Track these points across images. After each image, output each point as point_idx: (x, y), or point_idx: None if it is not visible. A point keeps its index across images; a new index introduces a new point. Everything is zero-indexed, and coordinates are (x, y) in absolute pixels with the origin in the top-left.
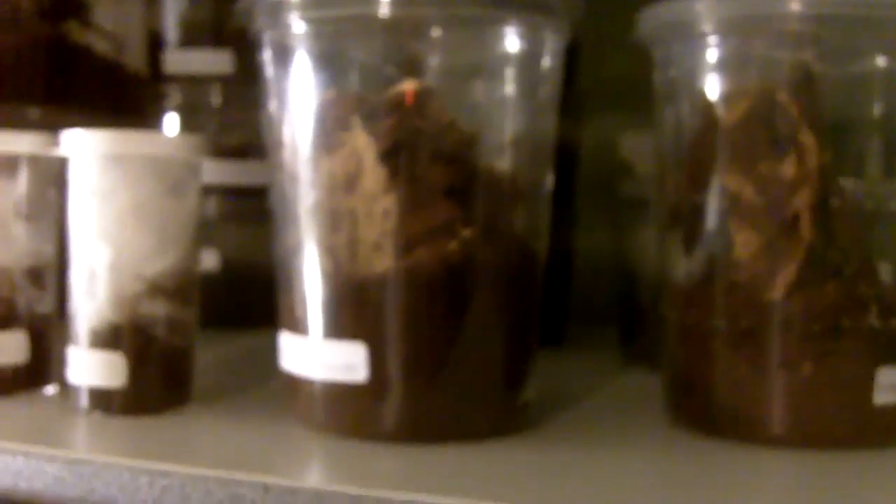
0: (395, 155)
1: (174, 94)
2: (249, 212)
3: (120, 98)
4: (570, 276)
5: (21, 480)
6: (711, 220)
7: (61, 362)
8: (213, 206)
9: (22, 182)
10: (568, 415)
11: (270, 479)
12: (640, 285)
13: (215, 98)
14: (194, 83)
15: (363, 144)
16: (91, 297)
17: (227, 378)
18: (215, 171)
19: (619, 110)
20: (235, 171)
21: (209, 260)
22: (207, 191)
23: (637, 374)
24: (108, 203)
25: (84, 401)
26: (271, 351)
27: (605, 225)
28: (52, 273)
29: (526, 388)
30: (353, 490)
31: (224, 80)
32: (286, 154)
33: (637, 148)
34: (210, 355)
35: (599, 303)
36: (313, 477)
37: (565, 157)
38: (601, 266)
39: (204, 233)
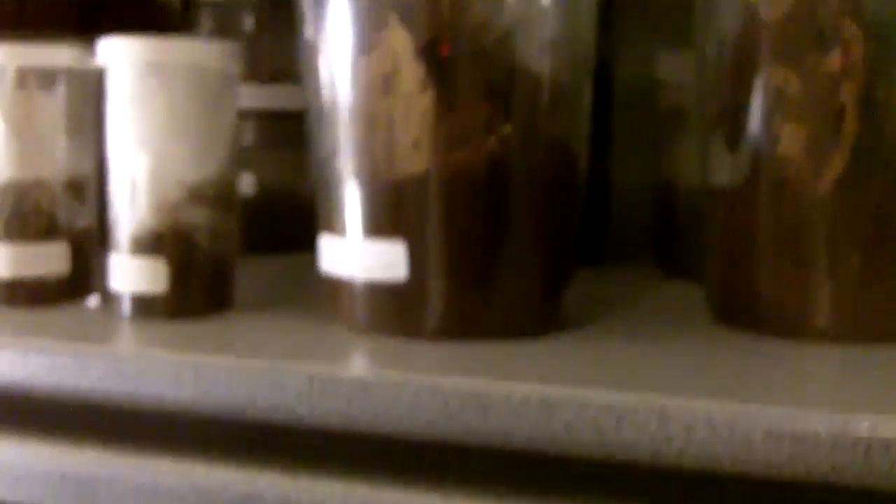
0: (432, 52)
1: (206, 21)
2: (285, 136)
3: (152, 26)
4: (608, 194)
5: (68, 378)
6: (756, 118)
7: (101, 274)
8: (248, 131)
9: (61, 96)
10: (608, 319)
11: (315, 369)
12: (678, 199)
13: (247, 23)
14: (226, 8)
15: (400, 43)
16: (132, 205)
17: (267, 292)
18: (250, 97)
19: (654, 25)
20: (270, 96)
21: (246, 184)
22: (242, 116)
23: (678, 287)
24: (146, 111)
25: (127, 307)
26: (309, 272)
27: (642, 143)
28: (91, 186)
29: (566, 288)
30: (396, 377)
31: (255, 5)
32: (322, 57)
33: (674, 63)
34: (248, 277)
35: (637, 222)
36: (356, 368)
37: (601, 73)
38: (638, 185)
39: (240, 157)
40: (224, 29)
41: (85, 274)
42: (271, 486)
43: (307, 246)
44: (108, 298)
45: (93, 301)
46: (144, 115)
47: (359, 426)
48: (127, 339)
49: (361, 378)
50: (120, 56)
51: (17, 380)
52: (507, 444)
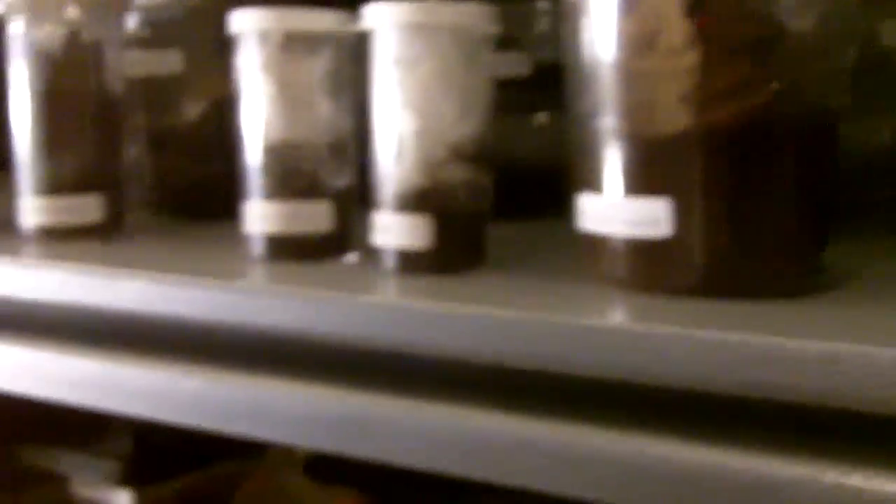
0: (699, 10)
1: None
2: (513, 103)
3: None
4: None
5: (347, 327)
6: None
7: (359, 232)
8: None
9: (324, 59)
10: (871, 282)
11: (590, 321)
12: None
13: None
14: None
15: (665, 1)
16: (398, 163)
17: (512, 253)
18: None
19: None
20: (498, 63)
21: None
22: None
23: None
24: (413, 72)
25: (389, 262)
26: (549, 235)
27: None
28: (351, 146)
29: (825, 249)
30: (673, 330)
31: None
32: (585, 17)
33: None
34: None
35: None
36: (623, 320)
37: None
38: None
39: None
40: None
41: (345, 230)
42: (540, 433)
43: (541, 212)
44: (370, 254)
45: (352, 257)
46: (411, 76)
47: (625, 376)
48: (394, 292)
49: (631, 330)
50: (387, 19)
51: (296, 327)
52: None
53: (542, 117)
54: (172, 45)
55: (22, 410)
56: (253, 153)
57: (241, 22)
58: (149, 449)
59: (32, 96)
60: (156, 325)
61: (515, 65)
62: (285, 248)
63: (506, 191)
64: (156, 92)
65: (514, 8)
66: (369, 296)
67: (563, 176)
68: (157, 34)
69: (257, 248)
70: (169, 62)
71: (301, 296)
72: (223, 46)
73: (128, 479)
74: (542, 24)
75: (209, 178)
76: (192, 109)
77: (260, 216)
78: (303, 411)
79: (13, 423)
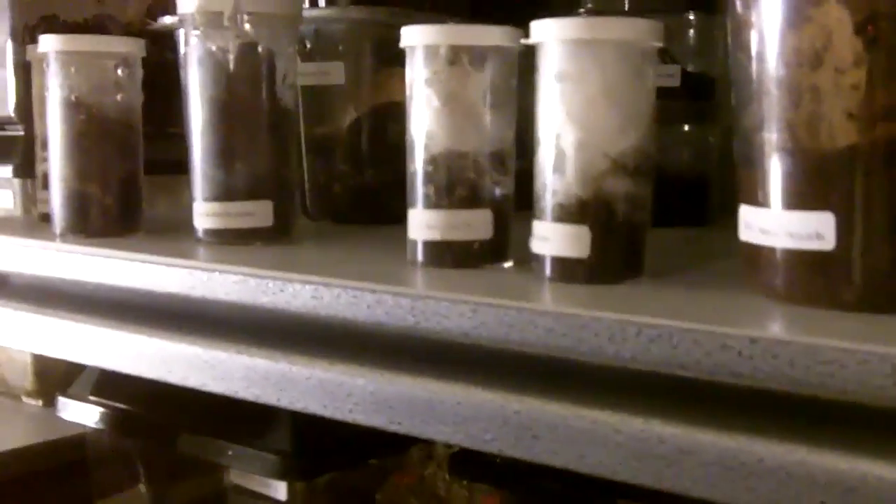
0: (868, 27)
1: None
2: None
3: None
4: None
5: (513, 332)
6: None
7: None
8: None
9: (489, 72)
10: None
11: (757, 332)
12: None
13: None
14: None
15: (835, 18)
16: (559, 174)
17: (668, 260)
18: None
19: None
20: None
21: None
22: None
23: None
24: (578, 86)
25: (548, 270)
26: (696, 244)
27: None
28: (511, 157)
29: None
30: (839, 343)
31: None
32: (752, 31)
33: None
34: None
35: None
36: (788, 332)
37: None
38: None
39: None
40: (600, 10)
41: (503, 239)
42: (707, 441)
43: (675, 222)
44: (524, 263)
45: (508, 264)
46: (576, 90)
47: (788, 388)
48: (555, 299)
49: (808, 344)
50: (554, 35)
51: (459, 331)
52: None
53: (688, 128)
54: (334, 57)
55: (184, 402)
56: (418, 163)
57: (411, 37)
58: (307, 444)
59: (207, 106)
60: (325, 326)
61: (667, 76)
62: (447, 255)
63: (670, 201)
64: (313, 101)
65: (664, 19)
66: (532, 303)
67: (707, 185)
68: (318, 46)
69: (420, 253)
70: (332, 74)
71: (468, 302)
72: (380, 58)
73: (285, 472)
74: (690, 36)
75: (366, 185)
76: (347, 118)
77: (423, 223)
78: (466, 412)
79: (175, 413)
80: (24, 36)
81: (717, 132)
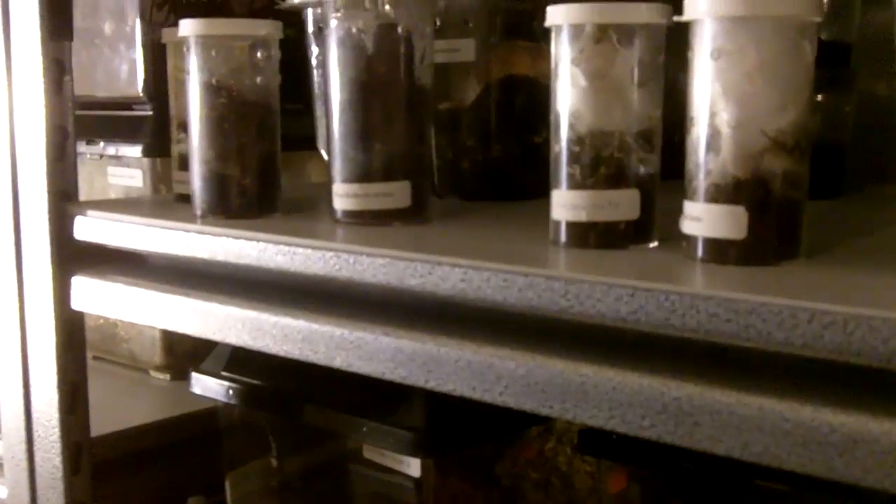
0: None
1: None
2: None
3: None
4: None
5: (674, 317)
6: None
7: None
8: None
9: (637, 50)
10: None
11: None
12: None
13: None
14: None
15: None
16: (714, 154)
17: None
18: None
19: None
20: None
21: None
22: None
23: None
24: (734, 63)
25: (699, 251)
26: (839, 218)
27: None
28: (658, 136)
29: None
30: None
31: None
32: None
33: None
34: None
35: None
36: None
37: None
38: None
39: None
40: None
41: (649, 219)
42: (881, 430)
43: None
44: (671, 243)
45: (653, 244)
46: (732, 67)
47: None
48: (709, 283)
49: None
50: (709, 11)
51: (621, 315)
52: None
53: (822, 97)
54: (463, 34)
55: (316, 377)
56: (563, 142)
57: (557, 15)
58: (440, 420)
59: (347, 87)
60: (473, 308)
61: None
62: (591, 235)
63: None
64: (436, 77)
65: None
66: (695, 287)
67: (842, 156)
68: (446, 22)
69: (563, 234)
70: (463, 50)
71: (625, 285)
72: (506, 32)
73: (420, 448)
74: (824, 3)
75: (493, 161)
76: (470, 93)
77: (568, 204)
78: (622, 398)
79: (307, 388)
80: (152, 15)
81: (853, 101)
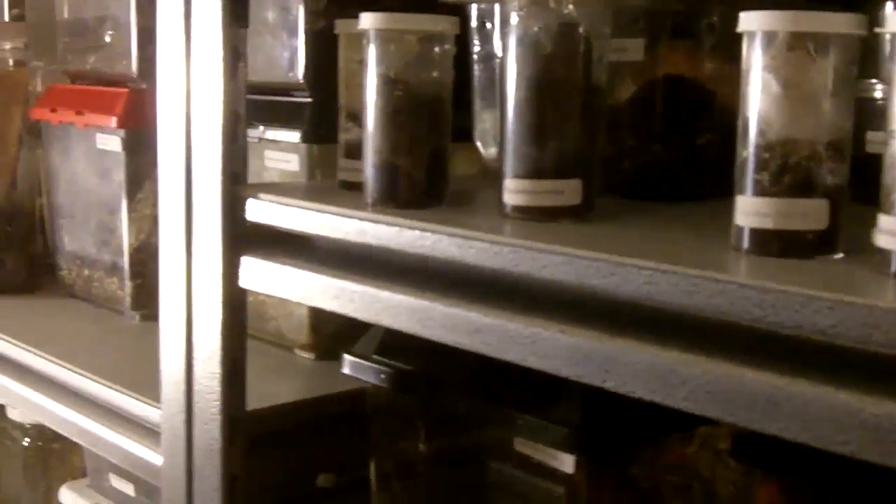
0: None
1: None
2: None
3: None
4: None
5: (877, 334)
6: None
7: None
8: None
9: (831, 60)
10: None
11: None
12: None
13: None
14: None
15: None
16: None
17: None
18: None
19: None
20: None
21: None
22: None
23: None
24: None
25: (893, 266)
26: None
27: None
28: (849, 146)
29: None
30: None
31: None
32: None
33: None
34: None
35: None
36: None
37: None
38: None
39: None
40: None
41: (836, 229)
42: None
43: None
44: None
45: (838, 256)
46: None
47: None
48: None
49: None
50: None
51: (819, 328)
52: None
53: None
54: (631, 33)
55: (470, 365)
56: (752, 148)
57: (750, 21)
58: (597, 418)
59: (525, 84)
60: (655, 310)
61: None
62: (775, 243)
63: None
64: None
65: None
66: (885, 300)
67: None
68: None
69: (746, 240)
70: (631, 50)
71: (825, 298)
72: (674, 33)
73: (576, 446)
74: None
75: (654, 160)
76: (628, 91)
77: (753, 210)
78: (816, 412)
79: (461, 377)
80: (315, 4)
81: None
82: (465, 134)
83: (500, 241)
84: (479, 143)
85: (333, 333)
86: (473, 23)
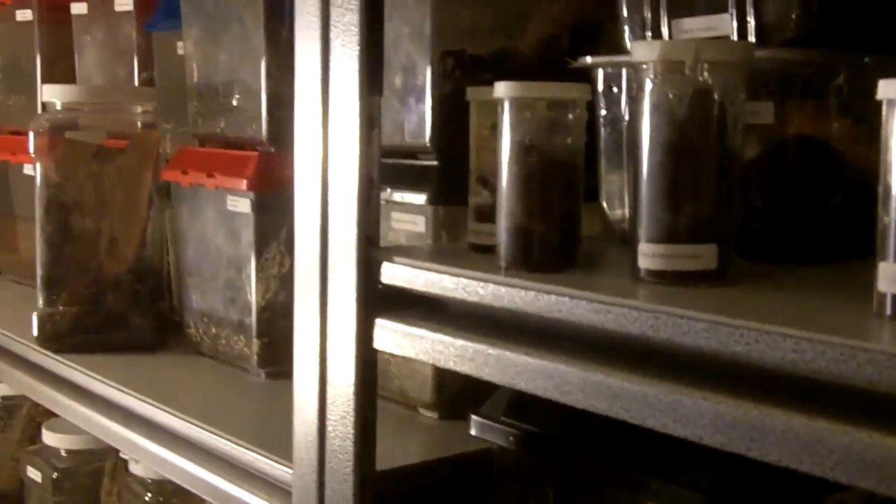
0: None
1: None
2: None
3: None
4: None
5: None
6: None
7: None
8: None
9: None
10: None
11: None
12: None
13: None
14: None
15: None
16: None
17: None
18: None
19: None
20: None
21: None
22: None
23: None
24: None
25: None
26: None
27: None
28: None
29: None
30: None
31: None
32: None
33: None
34: None
35: None
36: None
37: None
38: None
39: None
40: None
41: None
42: None
43: None
44: None
45: None
46: None
47: None
48: None
49: None
50: None
51: None
52: None
53: None
54: (761, 96)
55: (600, 429)
56: (892, 215)
57: (889, 89)
58: (731, 485)
59: (659, 149)
60: (802, 379)
61: None
62: None
63: None
64: None
65: None
66: None
67: None
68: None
69: (889, 307)
70: (762, 113)
71: None
72: (803, 94)
73: None
74: None
75: (784, 222)
76: (753, 151)
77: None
78: None
79: (591, 440)
80: (442, 69)
81: None
82: (587, 193)
83: (639, 306)
84: (604, 205)
85: (457, 393)
86: (600, 87)
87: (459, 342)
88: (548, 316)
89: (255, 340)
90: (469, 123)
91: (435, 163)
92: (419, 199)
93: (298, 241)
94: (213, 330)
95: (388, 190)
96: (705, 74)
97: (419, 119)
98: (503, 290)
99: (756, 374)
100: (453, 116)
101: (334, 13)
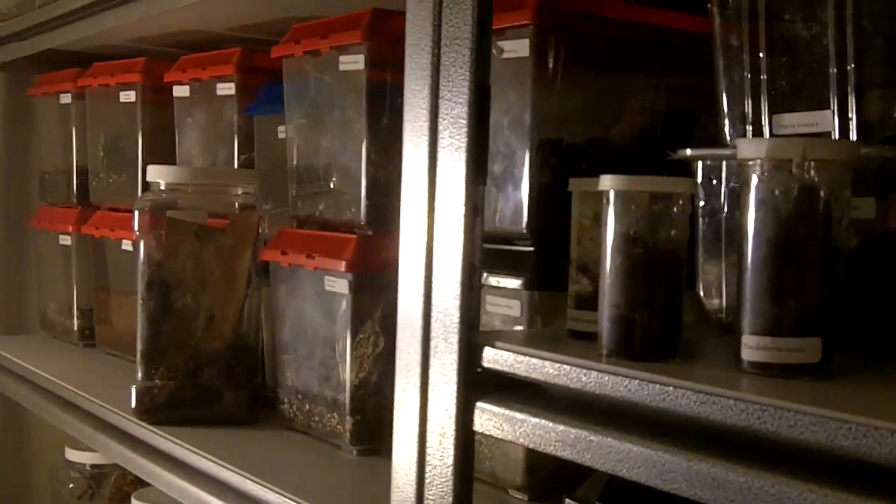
0: None
1: None
2: None
3: None
4: None
5: None
6: None
7: None
8: None
9: None
10: None
11: None
12: None
13: None
14: None
15: None
16: None
17: None
18: None
19: None
20: None
21: None
22: None
23: None
24: None
25: None
26: None
27: None
28: None
29: None
30: None
31: None
32: None
33: None
34: None
35: None
36: None
37: None
38: None
39: None
40: None
41: None
42: None
43: None
44: None
45: None
46: None
47: None
48: None
49: None
50: None
51: None
52: None
53: None
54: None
55: None
56: None
57: None
58: None
59: (765, 245)
60: None
61: None
62: None
63: None
64: None
65: None
66: None
67: None
68: None
69: None
70: (864, 208)
71: None
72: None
73: None
74: None
75: (887, 316)
76: (852, 243)
77: None
78: None
79: None
80: (540, 157)
81: None
82: None
83: (745, 398)
84: (701, 293)
85: (549, 475)
86: (699, 178)
87: (561, 427)
88: (651, 405)
89: (348, 418)
90: (566, 212)
91: (531, 248)
92: (515, 283)
93: (401, 323)
94: (307, 406)
95: (485, 274)
96: (812, 172)
97: (516, 206)
98: (606, 377)
99: (862, 467)
100: (550, 204)
101: (443, 106)
